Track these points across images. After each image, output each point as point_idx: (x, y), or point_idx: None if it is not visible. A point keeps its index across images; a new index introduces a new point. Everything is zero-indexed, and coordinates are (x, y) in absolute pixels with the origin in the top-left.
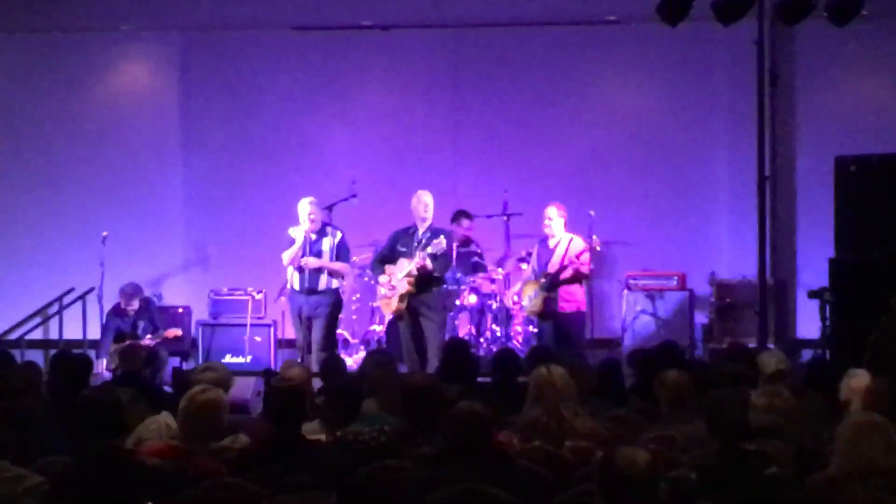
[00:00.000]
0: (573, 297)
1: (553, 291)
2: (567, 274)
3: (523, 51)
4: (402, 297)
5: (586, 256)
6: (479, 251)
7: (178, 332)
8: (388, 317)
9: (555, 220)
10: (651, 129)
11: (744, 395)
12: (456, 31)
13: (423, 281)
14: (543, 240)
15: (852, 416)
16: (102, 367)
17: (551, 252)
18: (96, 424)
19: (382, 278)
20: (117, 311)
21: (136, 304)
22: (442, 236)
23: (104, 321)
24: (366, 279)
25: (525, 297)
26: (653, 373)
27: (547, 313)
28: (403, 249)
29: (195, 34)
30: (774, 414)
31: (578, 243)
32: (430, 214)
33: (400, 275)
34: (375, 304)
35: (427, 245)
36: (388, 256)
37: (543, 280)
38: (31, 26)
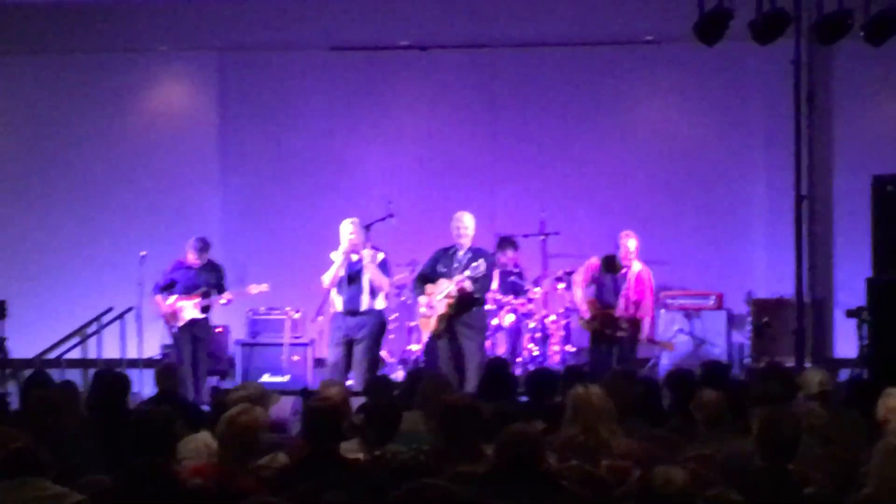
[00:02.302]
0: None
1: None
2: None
3: (560, 71)
4: (440, 318)
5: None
6: (518, 270)
7: (263, 287)
8: (426, 336)
9: (632, 250)
10: (688, 148)
11: (796, 415)
12: (494, 52)
13: (463, 302)
14: (609, 265)
15: (888, 436)
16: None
17: (617, 281)
18: (145, 442)
19: (422, 298)
20: (181, 266)
21: (205, 259)
22: (482, 260)
23: (165, 274)
24: (403, 298)
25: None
26: (690, 392)
27: (605, 336)
28: (444, 270)
29: (233, 54)
30: (812, 433)
31: (643, 273)
32: (469, 234)
33: (439, 296)
34: (414, 324)
35: (467, 267)
36: (428, 276)
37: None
38: (70, 46)
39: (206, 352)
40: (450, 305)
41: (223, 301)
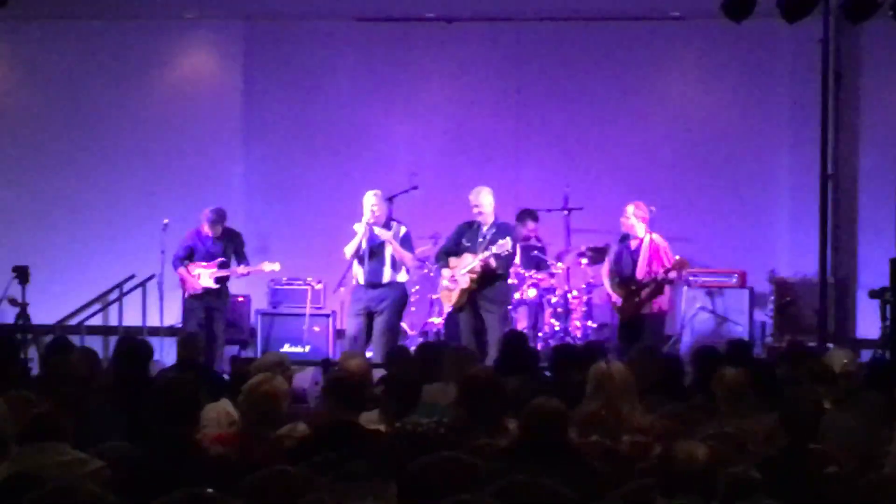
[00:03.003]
0: (656, 301)
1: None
2: (650, 289)
3: (586, 45)
4: (462, 292)
5: (667, 254)
6: (541, 245)
7: (275, 266)
8: (448, 309)
9: (630, 218)
10: (713, 125)
11: (818, 394)
12: (519, 25)
13: (485, 277)
14: (624, 237)
15: None
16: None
17: (633, 252)
18: (169, 410)
19: (445, 271)
20: (198, 235)
21: (219, 231)
22: (508, 238)
23: (183, 244)
24: (425, 271)
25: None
26: (713, 369)
27: (629, 313)
28: (468, 244)
29: (259, 23)
30: (834, 414)
31: (658, 242)
32: (485, 212)
33: (463, 270)
34: (435, 297)
35: (492, 242)
36: (452, 249)
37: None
38: (95, 14)
39: (222, 321)
40: (472, 280)
41: (242, 271)
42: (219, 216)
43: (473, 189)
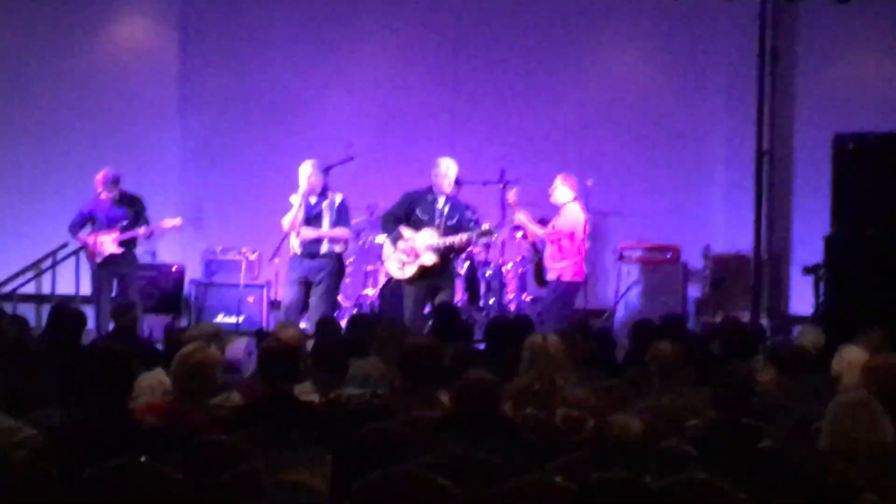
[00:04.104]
0: (553, 267)
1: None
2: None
3: (524, 18)
4: (421, 268)
5: (564, 222)
6: (476, 218)
7: (176, 221)
8: (398, 278)
9: (557, 188)
10: (650, 100)
11: (749, 369)
12: None
13: (445, 256)
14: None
15: (840, 393)
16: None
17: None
18: (103, 379)
19: (402, 243)
20: (96, 201)
21: (116, 193)
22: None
23: (81, 212)
24: (361, 242)
25: None
26: (647, 344)
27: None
28: (425, 217)
29: None
30: (774, 388)
31: (566, 210)
32: (451, 182)
33: (427, 244)
34: (371, 268)
35: (450, 217)
36: (402, 218)
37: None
38: None
39: (135, 286)
40: (436, 260)
41: (143, 232)
42: (114, 178)
43: (439, 158)
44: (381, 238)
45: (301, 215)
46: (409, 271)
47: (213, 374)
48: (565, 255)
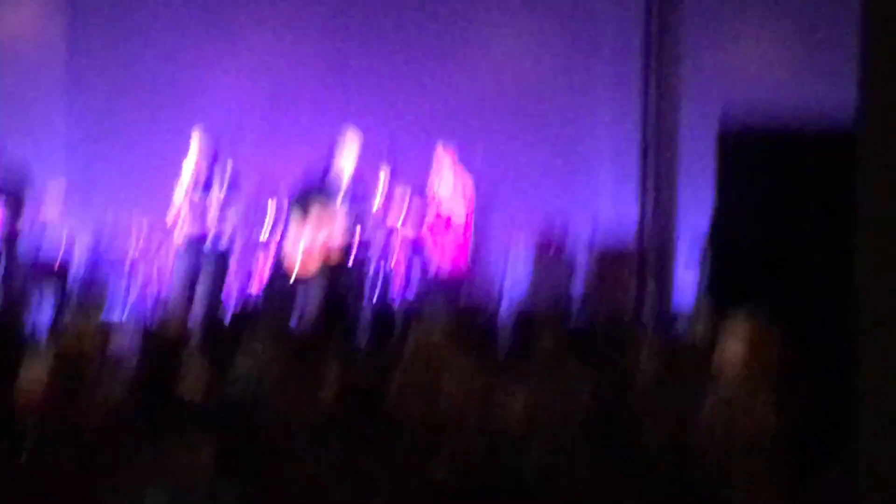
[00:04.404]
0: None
1: None
2: None
3: (408, 3)
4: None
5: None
6: None
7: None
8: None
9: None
10: (535, 86)
11: (630, 362)
12: None
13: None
14: None
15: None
16: None
17: None
18: None
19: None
20: None
21: None
22: None
23: None
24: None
25: None
26: (531, 336)
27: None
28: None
29: None
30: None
31: None
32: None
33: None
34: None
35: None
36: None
37: None
38: None
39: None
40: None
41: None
42: None
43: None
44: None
45: (186, 206)
46: (328, 256)
47: (89, 365)
48: (445, 248)
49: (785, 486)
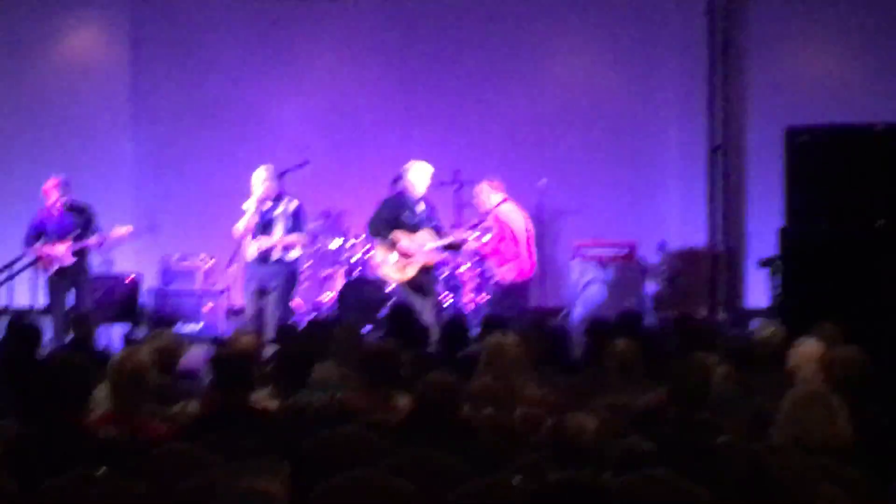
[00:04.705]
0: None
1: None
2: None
3: (473, 18)
4: (422, 269)
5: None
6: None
7: (127, 228)
8: (396, 281)
9: (482, 193)
10: (602, 97)
11: (706, 364)
12: (402, 0)
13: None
14: None
15: (795, 387)
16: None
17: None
18: (59, 391)
19: (403, 246)
20: (46, 212)
21: (66, 201)
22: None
23: (31, 225)
24: (317, 247)
25: None
26: (604, 341)
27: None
28: (412, 221)
29: (143, 1)
30: (731, 383)
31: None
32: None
33: (430, 246)
34: (326, 273)
35: (429, 219)
36: (391, 222)
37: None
38: None
39: (89, 296)
40: (439, 256)
41: (94, 241)
42: (64, 183)
43: (415, 163)
44: (337, 242)
45: (256, 222)
46: (411, 271)
47: (147, 377)
48: (505, 259)
49: (862, 491)
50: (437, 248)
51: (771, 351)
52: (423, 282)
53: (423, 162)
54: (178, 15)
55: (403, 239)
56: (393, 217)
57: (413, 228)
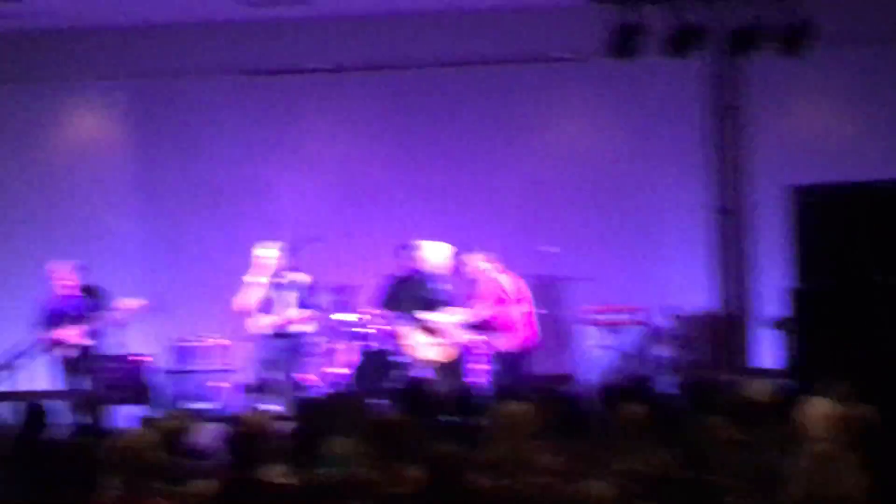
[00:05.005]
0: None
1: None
2: None
3: (473, 89)
4: (458, 346)
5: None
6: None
7: (139, 301)
8: (440, 362)
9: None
10: (606, 163)
11: (714, 427)
12: (405, 73)
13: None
14: None
15: (809, 444)
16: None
17: None
18: (67, 474)
19: (439, 316)
20: (61, 297)
21: (78, 284)
22: None
23: (45, 309)
24: (329, 321)
25: None
26: (615, 406)
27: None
28: (428, 297)
29: (145, 82)
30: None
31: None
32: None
33: (453, 323)
34: (339, 347)
35: (445, 294)
36: (405, 300)
37: None
38: None
39: (101, 379)
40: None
41: (108, 320)
42: (81, 270)
43: (426, 243)
44: (349, 316)
45: (267, 296)
46: (454, 353)
47: (153, 458)
48: (505, 327)
49: None
50: (462, 326)
51: (764, 408)
52: (458, 362)
53: (432, 243)
54: (176, 95)
55: (431, 318)
56: (412, 296)
57: (433, 306)
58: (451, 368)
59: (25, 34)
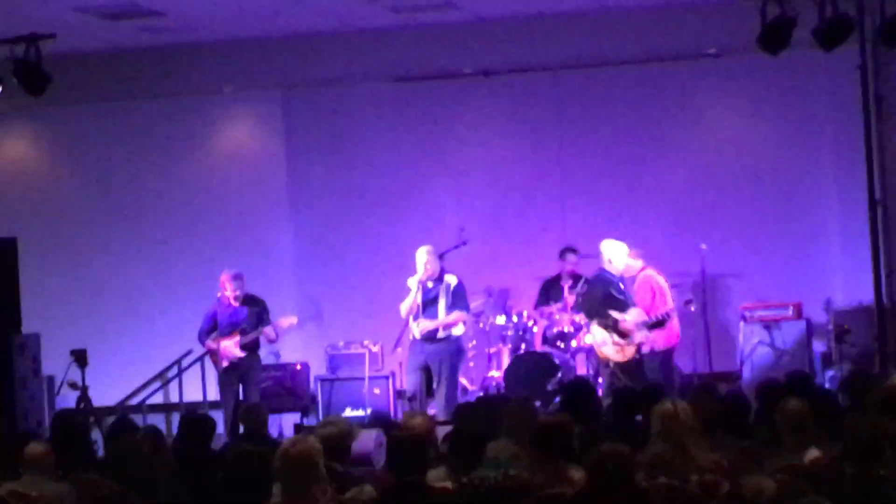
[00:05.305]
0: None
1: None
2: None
3: (624, 89)
4: (638, 346)
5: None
6: None
7: (292, 319)
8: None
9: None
10: (757, 158)
11: (880, 421)
12: (557, 73)
13: None
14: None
15: None
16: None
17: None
18: (240, 483)
19: (630, 316)
20: (220, 304)
21: (240, 293)
22: None
23: (206, 318)
24: (480, 325)
25: None
26: (775, 402)
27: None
28: (620, 297)
29: (298, 91)
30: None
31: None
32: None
33: (636, 322)
34: (493, 350)
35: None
36: (603, 302)
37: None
38: (134, 94)
39: (255, 388)
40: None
41: (270, 334)
42: (238, 279)
43: (606, 243)
44: (501, 319)
45: (419, 301)
46: (630, 351)
47: (317, 464)
48: (660, 326)
49: None
50: (643, 325)
51: None
52: (636, 362)
53: (610, 242)
54: (328, 103)
55: (622, 317)
56: (604, 295)
57: (623, 306)
58: (631, 368)
59: (177, 48)
